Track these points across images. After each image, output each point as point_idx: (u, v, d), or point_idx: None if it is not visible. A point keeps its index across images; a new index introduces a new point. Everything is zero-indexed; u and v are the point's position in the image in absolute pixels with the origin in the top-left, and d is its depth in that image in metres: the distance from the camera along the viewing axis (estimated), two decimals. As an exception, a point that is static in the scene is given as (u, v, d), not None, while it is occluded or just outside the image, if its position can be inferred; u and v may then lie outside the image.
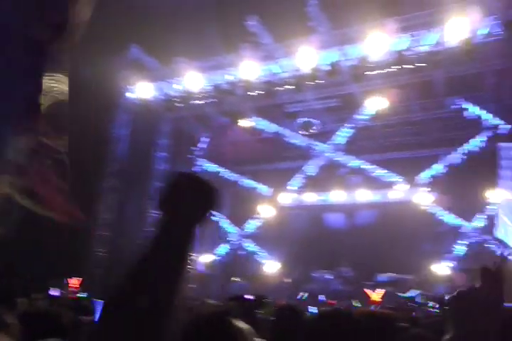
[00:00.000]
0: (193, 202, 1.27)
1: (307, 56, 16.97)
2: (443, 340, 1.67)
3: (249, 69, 18.08)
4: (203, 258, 20.89)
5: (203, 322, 1.34)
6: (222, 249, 21.89)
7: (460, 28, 14.82)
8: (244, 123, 21.96)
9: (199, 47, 16.77)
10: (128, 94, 20.59)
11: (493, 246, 17.83)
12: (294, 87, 18.35)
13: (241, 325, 1.45)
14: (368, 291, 16.79)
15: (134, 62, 19.32)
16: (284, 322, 3.24)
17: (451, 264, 18.10)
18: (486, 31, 15.05)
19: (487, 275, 2.00)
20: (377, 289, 16.71)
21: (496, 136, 18.92)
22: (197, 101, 20.21)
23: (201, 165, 22.61)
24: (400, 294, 16.28)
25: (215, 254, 21.62)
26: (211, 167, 22.60)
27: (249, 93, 19.02)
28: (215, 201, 1.35)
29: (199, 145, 23.15)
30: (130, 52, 18.85)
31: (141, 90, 20.20)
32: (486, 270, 2.06)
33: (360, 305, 15.25)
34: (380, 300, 16.15)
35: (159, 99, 20.62)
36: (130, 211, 20.01)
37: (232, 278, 19.57)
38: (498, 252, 17.21)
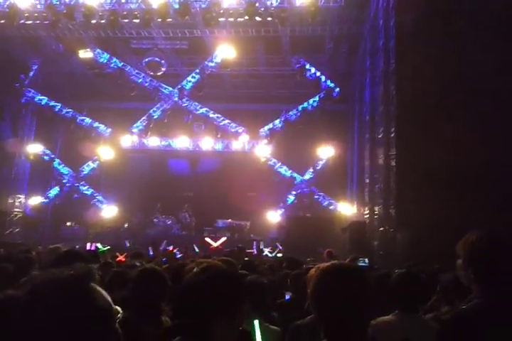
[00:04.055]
0: None
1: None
2: None
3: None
4: (32, 201, 19.03)
5: (59, 287, 1.08)
6: (55, 191, 20.13)
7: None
8: (82, 54, 19.81)
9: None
10: None
11: (317, 197, 20.21)
12: (140, 21, 17.09)
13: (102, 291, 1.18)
14: (209, 240, 17.51)
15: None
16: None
17: (281, 212, 19.98)
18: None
19: None
20: (221, 238, 17.57)
21: (327, 97, 20.75)
22: (27, 21, 17.44)
23: (32, 97, 19.88)
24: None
25: (45, 197, 19.82)
26: (43, 100, 20.07)
27: (90, 21, 17.07)
28: None
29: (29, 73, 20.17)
30: None
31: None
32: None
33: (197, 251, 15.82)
34: (221, 247, 17.04)
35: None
36: None
37: (68, 223, 18.40)
38: (325, 203, 19.55)
